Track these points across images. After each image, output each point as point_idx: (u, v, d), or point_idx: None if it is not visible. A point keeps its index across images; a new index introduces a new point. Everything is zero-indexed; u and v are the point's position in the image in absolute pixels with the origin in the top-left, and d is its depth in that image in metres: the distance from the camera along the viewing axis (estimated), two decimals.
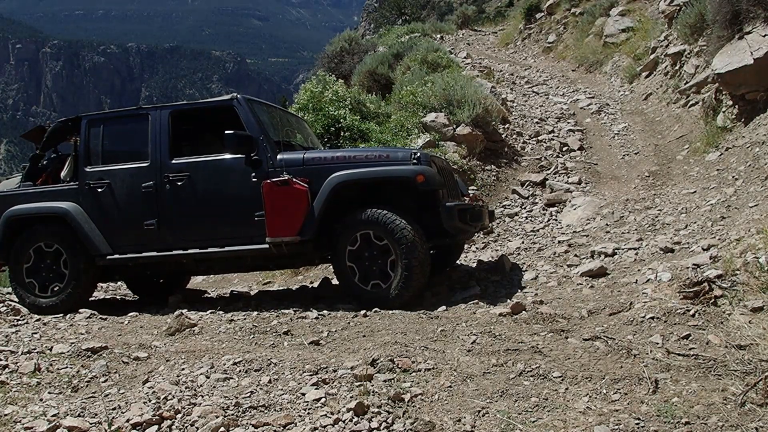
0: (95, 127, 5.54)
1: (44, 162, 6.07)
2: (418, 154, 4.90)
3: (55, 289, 5.36)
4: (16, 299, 5.51)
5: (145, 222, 5.23)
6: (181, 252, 5.23)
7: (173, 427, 2.78)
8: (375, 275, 4.77)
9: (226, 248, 5.11)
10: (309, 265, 6.41)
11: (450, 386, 3.01)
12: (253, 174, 5.01)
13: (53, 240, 5.40)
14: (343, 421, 2.67)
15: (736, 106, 7.51)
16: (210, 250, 5.16)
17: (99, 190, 5.37)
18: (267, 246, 4.92)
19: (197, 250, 5.18)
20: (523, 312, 4.08)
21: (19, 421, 2.90)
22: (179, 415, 2.85)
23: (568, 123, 10.72)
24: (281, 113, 6.05)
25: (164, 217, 5.23)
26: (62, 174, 5.81)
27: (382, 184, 4.93)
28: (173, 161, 5.26)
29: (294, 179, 4.81)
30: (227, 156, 5.13)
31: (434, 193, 4.85)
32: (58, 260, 5.41)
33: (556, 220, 7.48)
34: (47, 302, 5.33)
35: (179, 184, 5.20)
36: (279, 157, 5.01)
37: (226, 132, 4.90)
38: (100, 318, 5.04)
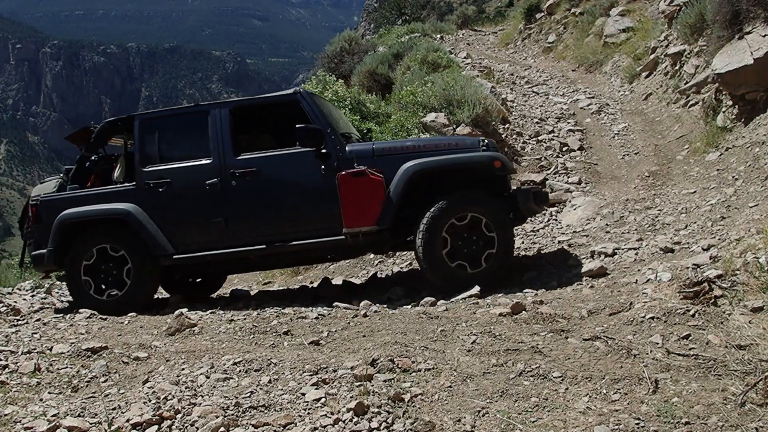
0: (150, 127, 5.47)
1: (87, 164, 5.93)
2: (486, 142, 5.16)
3: (114, 292, 5.25)
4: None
5: (212, 219, 5.21)
6: (248, 248, 5.19)
7: (173, 427, 2.78)
8: (464, 256, 4.92)
9: (297, 242, 5.14)
10: (377, 253, 6.45)
11: (450, 386, 3.01)
12: (323, 166, 5.08)
13: (113, 242, 5.27)
14: (343, 421, 2.67)
15: (736, 106, 7.51)
16: (279, 244, 5.16)
17: (159, 189, 5.29)
18: (342, 237, 4.99)
19: (266, 246, 5.16)
20: (523, 312, 4.08)
21: (19, 421, 2.90)
22: (179, 415, 2.85)
23: (568, 123, 10.71)
24: (332, 106, 6.15)
25: (231, 213, 5.21)
26: (115, 175, 5.70)
27: (458, 171, 5.07)
28: (238, 157, 5.24)
29: (369, 170, 4.92)
30: (295, 150, 5.17)
31: (505, 178, 5.14)
32: (119, 262, 5.28)
33: (556, 220, 7.47)
34: (109, 305, 5.20)
35: (246, 180, 5.18)
36: (348, 148, 5.13)
37: (298, 126, 4.98)
38: (100, 318, 5.04)
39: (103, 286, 5.28)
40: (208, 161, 5.26)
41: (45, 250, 5.33)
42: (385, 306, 4.81)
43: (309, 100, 5.24)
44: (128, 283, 5.24)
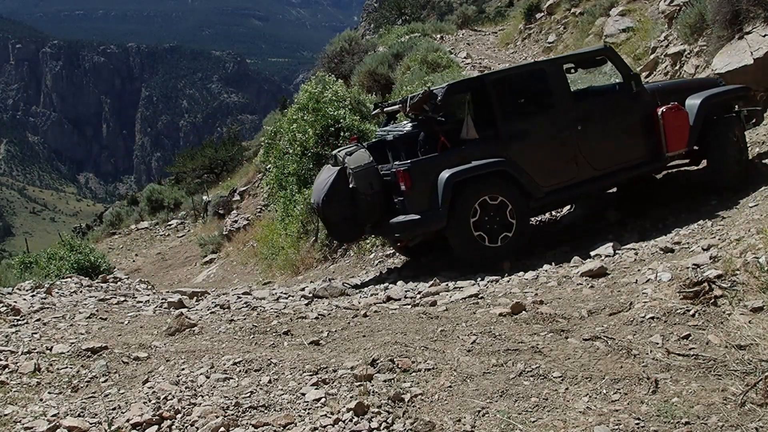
0: (500, 86, 6.04)
1: (400, 131, 6.44)
2: (721, 80, 6.60)
3: (503, 236, 5.77)
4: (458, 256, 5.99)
5: (566, 160, 6.00)
6: (595, 181, 6.13)
7: (173, 427, 2.78)
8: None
9: (629, 167, 6.18)
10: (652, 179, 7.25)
11: (450, 386, 3.01)
12: (638, 104, 6.18)
13: (495, 191, 5.77)
14: (343, 421, 2.67)
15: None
16: (618, 172, 6.16)
17: (520, 140, 5.94)
18: (661, 160, 6.19)
19: (609, 175, 6.16)
20: (523, 312, 4.07)
21: (19, 421, 2.90)
22: (179, 415, 2.85)
23: None
24: None
25: (580, 153, 6.04)
26: (464, 134, 5.94)
27: (734, 99, 6.54)
28: (579, 104, 6.19)
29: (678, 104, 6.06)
30: (620, 93, 6.28)
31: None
32: (501, 209, 5.77)
33: (557, 219, 7.47)
34: (496, 250, 5.77)
35: (589, 123, 6.07)
36: (647, 88, 6.31)
37: (632, 73, 6.23)
38: (100, 318, 5.04)
39: (490, 235, 5.77)
40: (557, 110, 6.05)
41: (437, 211, 5.68)
42: (385, 306, 4.81)
43: (615, 53, 6.43)
44: (513, 227, 5.79)
